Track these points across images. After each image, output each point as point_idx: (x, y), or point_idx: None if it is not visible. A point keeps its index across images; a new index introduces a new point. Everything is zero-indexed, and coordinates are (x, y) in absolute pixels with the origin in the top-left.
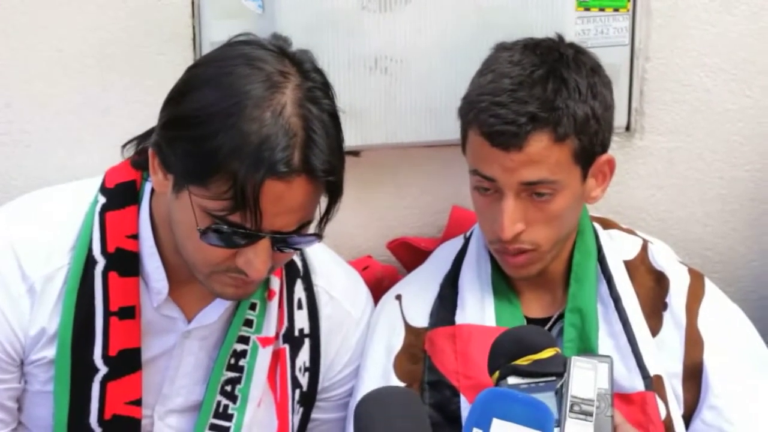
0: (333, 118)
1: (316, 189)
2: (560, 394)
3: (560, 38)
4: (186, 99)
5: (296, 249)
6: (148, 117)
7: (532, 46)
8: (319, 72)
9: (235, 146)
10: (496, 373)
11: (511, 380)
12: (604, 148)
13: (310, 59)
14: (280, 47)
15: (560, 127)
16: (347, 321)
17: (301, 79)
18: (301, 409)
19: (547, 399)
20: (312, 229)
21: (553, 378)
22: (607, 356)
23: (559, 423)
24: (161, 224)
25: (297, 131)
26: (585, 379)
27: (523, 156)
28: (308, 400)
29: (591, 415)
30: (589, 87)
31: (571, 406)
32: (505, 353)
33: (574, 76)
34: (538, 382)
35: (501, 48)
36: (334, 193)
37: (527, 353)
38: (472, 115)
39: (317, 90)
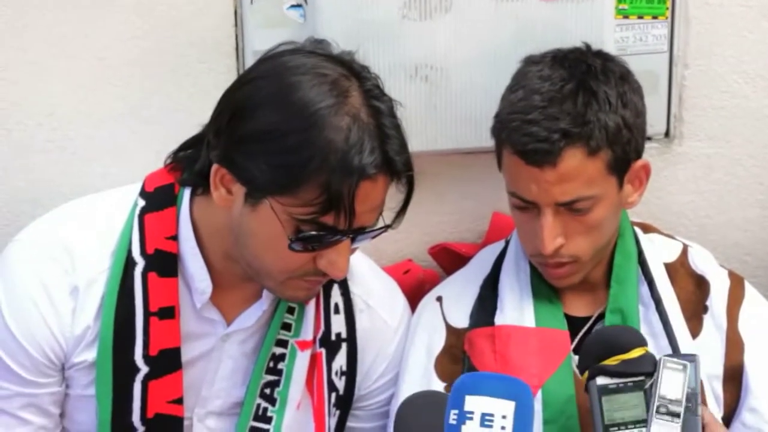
0: (393, 111)
1: (390, 183)
2: (649, 395)
3: (588, 48)
4: (257, 115)
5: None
6: (191, 125)
7: (560, 59)
8: (367, 69)
9: (323, 155)
10: (586, 373)
11: (600, 380)
12: (639, 154)
13: (355, 59)
14: (328, 52)
15: (593, 141)
16: (384, 330)
17: (357, 80)
18: (338, 412)
19: (635, 398)
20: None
21: (642, 378)
22: (694, 355)
23: (647, 423)
24: (204, 230)
25: (375, 131)
26: (674, 379)
27: (558, 172)
28: (344, 403)
29: (678, 416)
30: (619, 96)
31: (658, 407)
32: (594, 353)
33: (603, 88)
34: (627, 382)
35: (529, 62)
36: (412, 185)
37: (616, 353)
38: (505, 134)
39: (375, 88)
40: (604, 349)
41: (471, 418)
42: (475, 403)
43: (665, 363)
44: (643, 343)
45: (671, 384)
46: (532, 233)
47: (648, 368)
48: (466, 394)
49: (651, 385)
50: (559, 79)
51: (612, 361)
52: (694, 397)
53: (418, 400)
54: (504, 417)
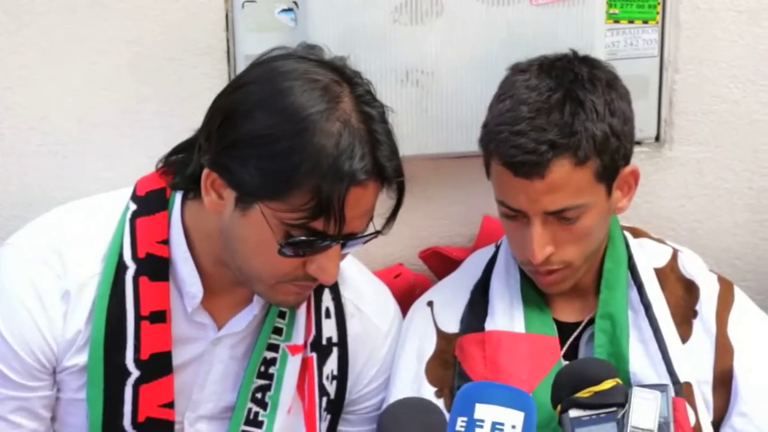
0: (385, 117)
1: (380, 189)
2: (621, 425)
3: (574, 54)
4: (248, 119)
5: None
6: (183, 129)
7: (547, 68)
8: (359, 75)
9: (314, 160)
10: (558, 407)
11: (573, 413)
12: (627, 160)
13: (347, 65)
14: (320, 57)
15: (580, 151)
16: (375, 334)
17: (349, 85)
18: (329, 417)
19: (608, 430)
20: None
21: (614, 409)
22: (665, 385)
23: None
24: (195, 234)
25: (366, 137)
26: (646, 409)
27: (546, 183)
28: (336, 407)
29: None
30: (606, 104)
31: None
32: (566, 386)
33: (590, 97)
34: (599, 414)
35: (516, 70)
36: (402, 191)
37: (588, 385)
38: (493, 146)
39: (367, 94)
40: (576, 382)
41: (481, 426)
42: (485, 412)
43: (637, 393)
44: (614, 374)
45: (643, 414)
46: (522, 242)
47: (620, 399)
48: (476, 402)
49: (623, 416)
50: (545, 88)
51: (584, 394)
52: (666, 426)
53: (398, 409)
54: (513, 427)
